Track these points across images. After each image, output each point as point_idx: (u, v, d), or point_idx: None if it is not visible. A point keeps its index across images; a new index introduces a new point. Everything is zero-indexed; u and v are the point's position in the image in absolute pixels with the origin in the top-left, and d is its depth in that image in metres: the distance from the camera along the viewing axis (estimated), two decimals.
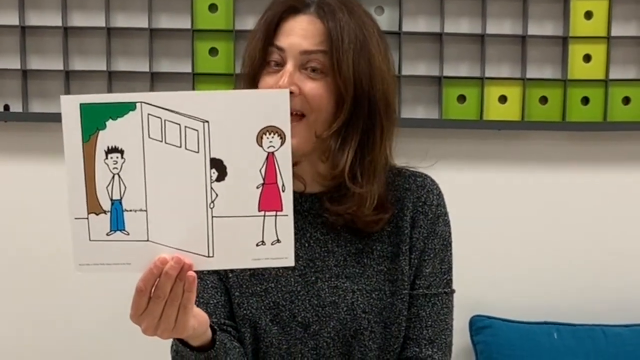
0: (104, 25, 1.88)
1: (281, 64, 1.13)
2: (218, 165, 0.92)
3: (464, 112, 1.93)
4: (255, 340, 1.21)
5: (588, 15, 1.93)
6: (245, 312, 1.20)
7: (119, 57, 1.92)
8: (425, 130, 1.94)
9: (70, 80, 1.91)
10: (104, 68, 1.89)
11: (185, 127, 0.91)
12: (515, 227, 2.01)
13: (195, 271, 0.94)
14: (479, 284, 2.01)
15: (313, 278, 1.19)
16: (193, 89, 1.88)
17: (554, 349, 1.88)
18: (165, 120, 0.91)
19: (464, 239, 1.95)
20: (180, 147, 0.92)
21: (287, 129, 0.92)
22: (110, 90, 1.89)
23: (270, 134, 0.91)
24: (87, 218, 0.94)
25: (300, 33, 1.13)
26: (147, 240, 0.94)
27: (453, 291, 1.24)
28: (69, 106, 0.91)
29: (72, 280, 1.94)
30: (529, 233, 2.01)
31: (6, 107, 1.92)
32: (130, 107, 0.91)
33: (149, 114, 0.91)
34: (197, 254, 0.94)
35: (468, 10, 1.94)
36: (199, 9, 1.88)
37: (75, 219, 0.94)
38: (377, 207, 1.16)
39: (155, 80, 1.91)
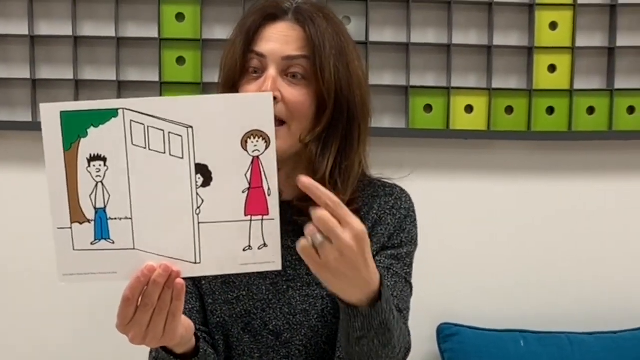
0: (71, 33, 1.88)
1: (261, 71, 1.13)
2: (203, 171, 0.92)
3: (431, 122, 1.94)
4: (228, 348, 1.21)
5: (553, 25, 1.95)
6: (217, 319, 1.20)
7: (86, 66, 1.91)
8: (392, 140, 1.95)
9: (36, 88, 1.90)
10: (71, 77, 1.88)
11: (169, 132, 0.90)
12: (481, 236, 2.02)
13: (182, 278, 0.93)
14: (446, 292, 2.02)
15: (285, 287, 1.19)
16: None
17: (520, 356, 1.90)
18: (148, 127, 0.90)
19: (431, 247, 1.97)
20: (165, 153, 0.91)
21: (271, 132, 0.91)
22: (77, 99, 1.88)
23: (254, 137, 0.91)
24: (71, 227, 0.92)
25: (281, 39, 1.13)
26: (133, 249, 0.93)
27: (411, 285, 1.22)
28: (49, 114, 0.90)
29: (46, 290, 1.93)
30: (495, 241, 2.02)
31: None
32: (112, 113, 0.90)
33: (131, 121, 0.90)
34: (184, 260, 0.93)
35: (434, 21, 1.95)
36: (166, 17, 1.88)
37: (58, 228, 0.92)
38: None
39: (123, 89, 1.90)
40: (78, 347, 1.97)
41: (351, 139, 1.17)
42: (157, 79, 1.89)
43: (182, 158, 0.91)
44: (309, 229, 0.90)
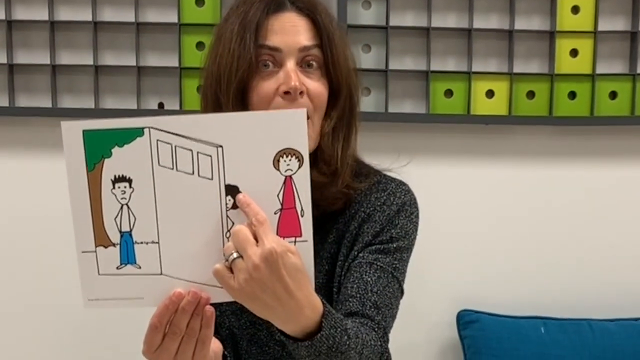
0: (90, 19, 1.88)
1: (272, 64, 1.08)
2: (233, 192, 0.87)
3: (451, 107, 1.93)
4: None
5: (575, 9, 1.93)
6: (226, 331, 1.19)
7: (105, 51, 1.91)
8: (413, 125, 1.94)
9: (57, 74, 1.90)
10: (91, 62, 1.88)
11: (198, 152, 0.86)
12: (502, 222, 2.01)
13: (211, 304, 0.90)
14: (466, 278, 2.01)
15: None
16: (180, 83, 1.88)
17: (541, 343, 1.89)
18: (175, 146, 0.86)
19: (451, 233, 1.98)
20: (193, 174, 0.87)
21: (305, 150, 0.86)
22: (97, 85, 1.88)
23: (287, 156, 0.86)
24: (95, 251, 0.89)
25: (292, 30, 1.08)
26: (160, 274, 0.89)
27: (398, 280, 1.14)
28: (71, 133, 0.85)
29: (62, 275, 1.94)
30: (516, 228, 2.01)
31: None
32: (137, 132, 0.85)
33: (158, 140, 0.86)
34: (213, 286, 0.89)
35: (455, 5, 1.94)
36: (185, 3, 1.88)
37: (83, 252, 0.89)
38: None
39: (142, 75, 1.90)
40: (96, 332, 1.98)
41: (352, 125, 1.15)
42: (176, 64, 1.89)
43: (211, 179, 0.87)
44: (227, 245, 0.86)
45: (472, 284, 2.02)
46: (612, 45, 1.97)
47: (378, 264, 1.12)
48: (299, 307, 0.88)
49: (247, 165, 0.87)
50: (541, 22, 1.96)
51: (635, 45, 1.95)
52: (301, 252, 0.88)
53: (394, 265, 1.13)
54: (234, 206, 0.87)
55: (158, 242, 0.89)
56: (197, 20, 1.88)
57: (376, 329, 1.07)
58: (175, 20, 1.88)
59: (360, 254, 1.13)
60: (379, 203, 1.16)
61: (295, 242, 0.89)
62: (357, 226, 1.16)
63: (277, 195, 0.88)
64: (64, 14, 1.90)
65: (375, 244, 1.14)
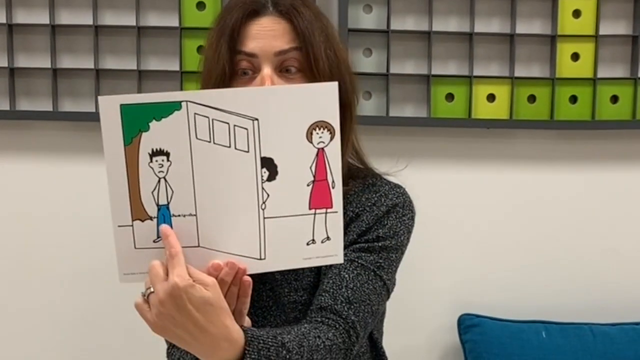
0: (91, 23, 1.87)
1: (251, 71, 1.08)
2: (269, 165, 0.89)
3: (453, 111, 1.93)
4: None
5: (576, 13, 1.93)
6: None
7: (106, 55, 1.91)
8: (414, 129, 1.94)
9: (57, 78, 1.89)
10: (92, 66, 1.88)
11: (234, 125, 0.87)
12: (503, 226, 2.00)
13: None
14: (468, 282, 2.01)
15: (280, 292, 1.16)
16: (181, 87, 1.87)
17: (542, 348, 1.88)
18: (213, 120, 0.87)
19: (451, 237, 1.98)
20: (230, 147, 0.88)
21: (336, 123, 0.89)
22: (98, 89, 1.88)
23: (320, 129, 0.89)
24: (132, 225, 0.89)
25: (268, 35, 1.08)
26: (198, 246, 0.90)
27: (382, 278, 1.13)
28: (108, 107, 0.86)
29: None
30: (517, 232, 2.01)
31: None
32: (175, 106, 0.86)
33: (195, 114, 0.87)
34: (249, 257, 0.91)
35: (456, 9, 1.94)
36: (186, 7, 1.88)
37: (119, 226, 0.89)
38: None
39: (143, 79, 1.90)
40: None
41: (342, 126, 1.14)
42: (177, 68, 1.89)
43: (247, 152, 0.88)
44: (145, 280, 0.87)
45: (473, 288, 2.01)
46: (613, 49, 1.97)
47: (360, 261, 1.12)
48: (213, 341, 0.88)
49: (282, 138, 0.88)
50: (542, 26, 1.96)
51: (636, 49, 1.95)
52: (331, 222, 0.91)
53: (377, 264, 1.13)
54: (270, 178, 0.89)
55: (195, 215, 0.89)
56: (198, 24, 1.88)
57: (339, 326, 1.06)
58: (177, 24, 1.88)
59: (344, 252, 1.13)
60: (369, 204, 1.17)
61: (326, 212, 0.91)
62: (345, 225, 1.15)
63: (310, 168, 0.90)
64: (65, 18, 1.90)
65: (360, 243, 1.14)
